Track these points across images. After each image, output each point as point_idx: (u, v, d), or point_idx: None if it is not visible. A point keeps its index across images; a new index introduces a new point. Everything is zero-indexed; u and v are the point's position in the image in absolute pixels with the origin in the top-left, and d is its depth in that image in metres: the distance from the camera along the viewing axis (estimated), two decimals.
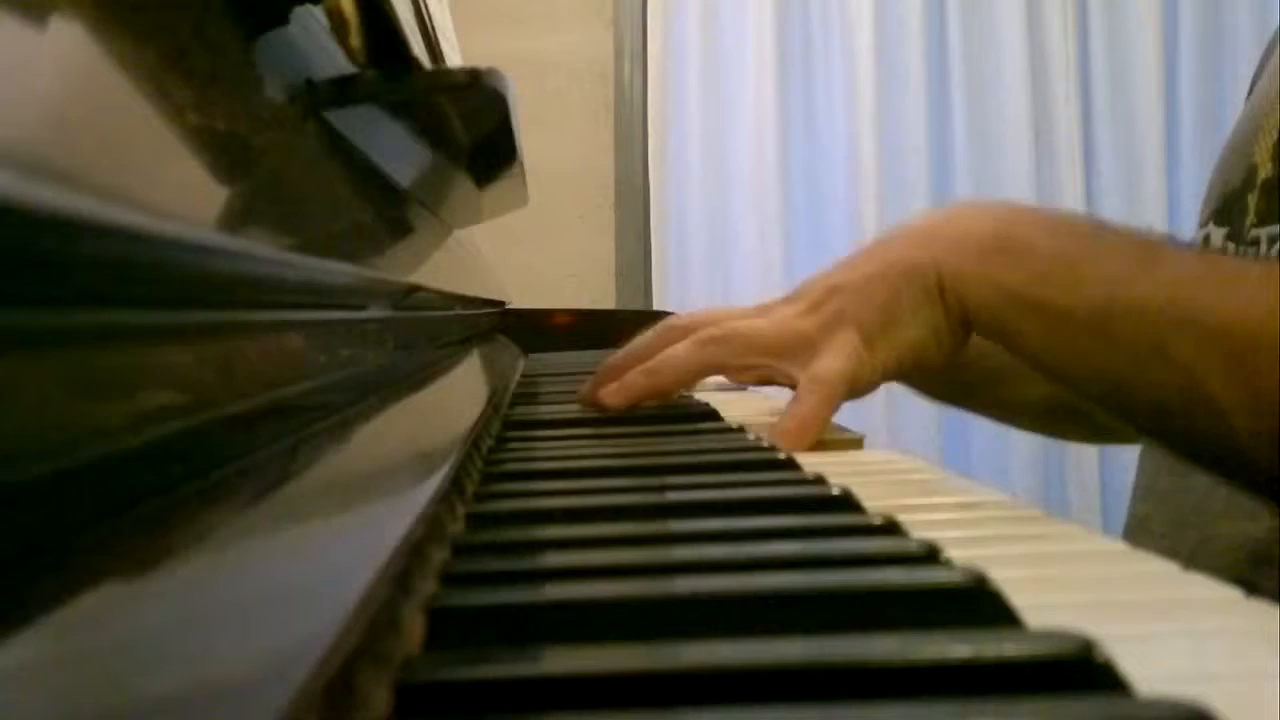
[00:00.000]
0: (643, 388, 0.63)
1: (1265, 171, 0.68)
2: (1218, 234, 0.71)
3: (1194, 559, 0.64)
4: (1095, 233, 0.58)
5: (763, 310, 0.63)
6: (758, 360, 0.61)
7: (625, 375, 0.64)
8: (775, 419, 0.60)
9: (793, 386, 0.60)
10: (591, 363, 0.71)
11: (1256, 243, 0.67)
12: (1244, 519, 0.64)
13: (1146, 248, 0.56)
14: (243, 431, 0.27)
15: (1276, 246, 0.65)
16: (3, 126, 0.16)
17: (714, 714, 0.20)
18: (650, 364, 0.63)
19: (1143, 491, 0.75)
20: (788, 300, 0.62)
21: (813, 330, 0.59)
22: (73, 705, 0.13)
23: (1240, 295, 0.52)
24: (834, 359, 0.58)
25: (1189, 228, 0.80)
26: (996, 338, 0.58)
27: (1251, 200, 0.69)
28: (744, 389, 0.89)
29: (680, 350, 0.62)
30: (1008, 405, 0.82)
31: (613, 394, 0.64)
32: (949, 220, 0.60)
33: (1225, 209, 0.71)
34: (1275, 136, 0.68)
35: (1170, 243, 0.61)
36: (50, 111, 0.18)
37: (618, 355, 0.67)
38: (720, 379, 0.70)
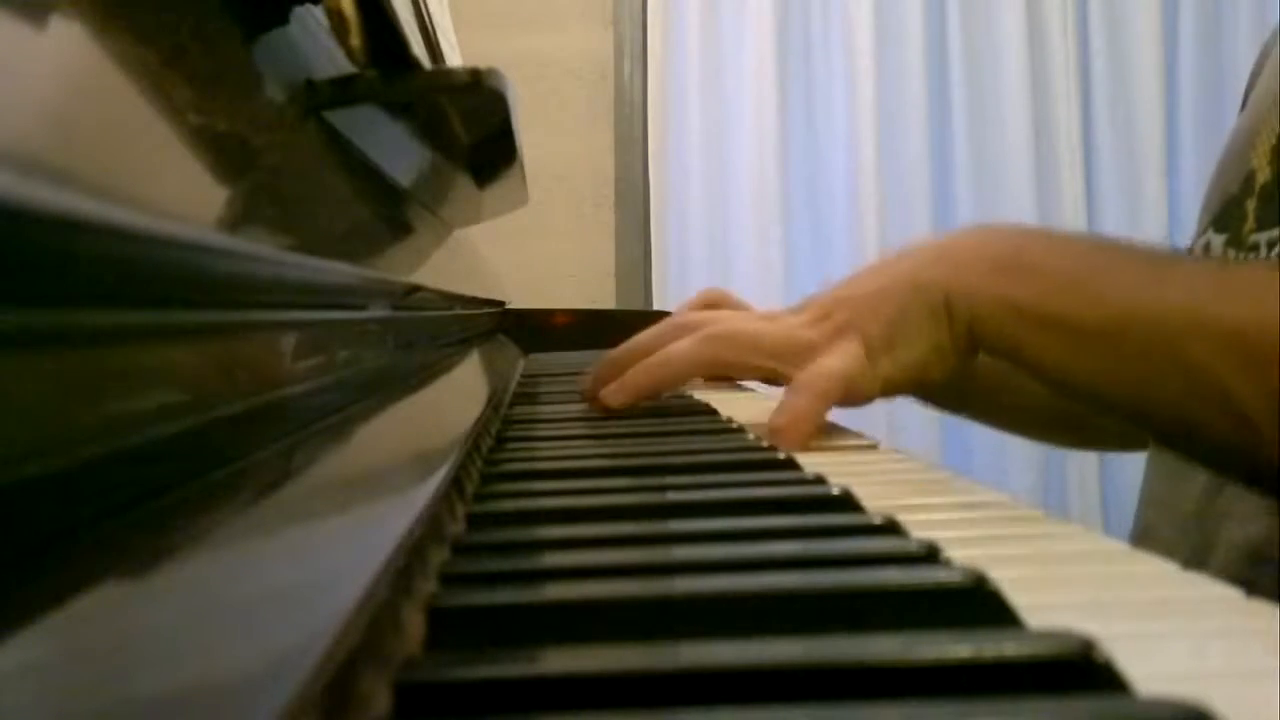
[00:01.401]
0: (645, 384, 0.64)
1: (1263, 176, 0.68)
2: (1217, 240, 0.71)
3: (1193, 561, 0.64)
4: (1106, 249, 0.58)
5: (768, 317, 0.63)
6: (761, 361, 0.61)
7: (626, 373, 0.64)
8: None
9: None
10: (591, 362, 0.71)
11: (1256, 248, 0.67)
12: (1243, 521, 0.64)
13: (1158, 260, 0.56)
14: (243, 431, 0.27)
15: (1276, 250, 0.65)
16: (3, 126, 0.16)
17: (714, 714, 0.20)
18: (653, 359, 0.63)
19: (1148, 497, 0.75)
20: (794, 310, 0.63)
21: (817, 338, 0.59)
22: (73, 705, 0.13)
23: (1255, 298, 0.52)
24: (832, 360, 0.58)
25: (1189, 228, 0.80)
26: (1006, 355, 0.58)
27: (1250, 206, 0.69)
28: (743, 388, 0.90)
29: (684, 345, 0.62)
30: (1007, 413, 0.83)
31: (614, 394, 0.64)
32: (958, 241, 0.60)
33: (1224, 215, 0.71)
34: (1273, 141, 0.68)
35: (1181, 254, 0.61)
36: (50, 111, 0.18)
37: (618, 350, 0.67)
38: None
